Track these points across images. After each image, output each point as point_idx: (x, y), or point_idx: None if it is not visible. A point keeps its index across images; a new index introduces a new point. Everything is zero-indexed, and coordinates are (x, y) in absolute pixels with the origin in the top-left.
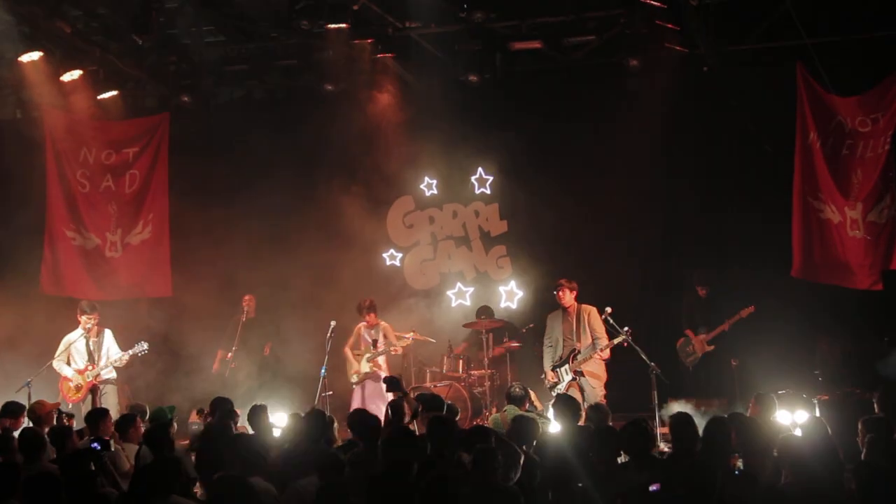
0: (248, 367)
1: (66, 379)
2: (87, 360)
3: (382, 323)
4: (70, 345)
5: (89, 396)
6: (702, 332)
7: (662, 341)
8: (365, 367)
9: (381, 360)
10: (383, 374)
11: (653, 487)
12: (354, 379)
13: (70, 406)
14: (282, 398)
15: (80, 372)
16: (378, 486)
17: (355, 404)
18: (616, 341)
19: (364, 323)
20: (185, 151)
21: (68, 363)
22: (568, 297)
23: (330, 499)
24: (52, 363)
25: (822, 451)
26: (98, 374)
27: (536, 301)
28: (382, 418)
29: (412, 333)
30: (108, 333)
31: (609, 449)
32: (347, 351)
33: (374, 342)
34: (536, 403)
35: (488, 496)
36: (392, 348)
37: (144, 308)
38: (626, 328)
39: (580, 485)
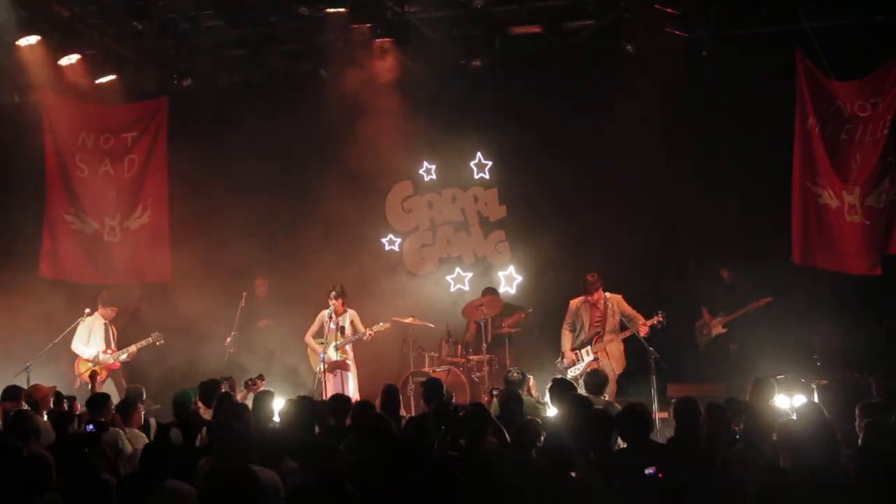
0: (251, 348)
1: (86, 360)
2: (105, 345)
3: (350, 310)
4: (91, 329)
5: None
6: (720, 315)
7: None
8: (333, 355)
9: (349, 348)
10: (351, 363)
11: (649, 471)
12: (321, 367)
13: (78, 385)
14: (284, 382)
15: (102, 354)
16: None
17: (329, 394)
18: (651, 322)
19: (329, 310)
20: (183, 136)
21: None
22: (601, 291)
23: (323, 486)
24: (77, 350)
25: (821, 435)
26: (118, 359)
27: (535, 286)
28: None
29: (411, 318)
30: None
31: (602, 433)
32: (309, 339)
33: (342, 329)
34: (533, 390)
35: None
36: (368, 333)
37: (142, 292)
38: (661, 311)
39: (573, 474)
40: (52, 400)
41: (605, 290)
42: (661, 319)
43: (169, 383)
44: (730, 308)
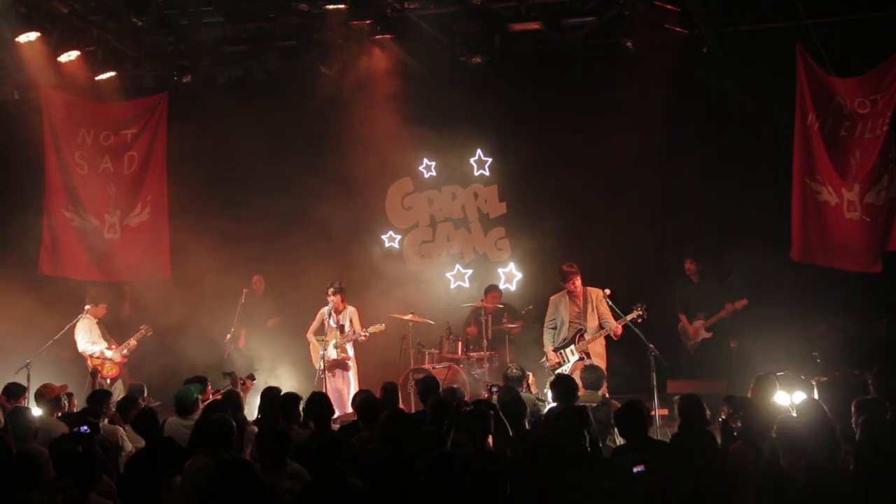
0: (254, 343)
1: (99, 356)
2: (107, 342)
3: (350, 308)
4: (90, 328)
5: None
6: (699, 319)
7: (661, 323)
8: (332, 354)
9: (349, 346)
10: (351, 363)
11: (637, 469)
12: (322, 365)
13: (108, 381)
14: (285, 378)
15: (108, 351)
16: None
17: (329, 393)
18: (630, 317)
19: (328, 307)
20: (183, 132)
21: None
22: (578, 282)
23: (330, 481)
24: (85, 351)
25: (820, 432)
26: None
27: (535, 283)
28: (346, 405)
29: (411, 315)
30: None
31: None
32: (311, 336)
33: (342, 327)
34: (533, 387)
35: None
36: (362, 335)
37: (142, 289)
38: (641, 304)
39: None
40: (65, 400)
41: (584, 283)
42: (641, 313)
43: (168, 380)
44: (706, 309)
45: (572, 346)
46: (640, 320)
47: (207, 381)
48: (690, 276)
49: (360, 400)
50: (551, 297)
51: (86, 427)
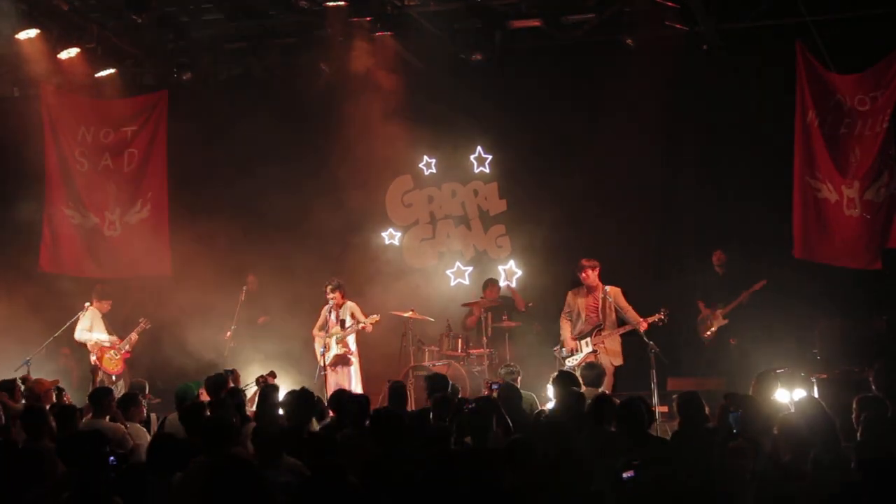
0: (247, 341)
1: (104, 349)
2: (111, 337)
3: (349, 303)
4: (92, 321)
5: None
6: (719, 307)
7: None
8: (335, 349)
9: (352, 341)
10: (353, 358)
11: (626, 475)
12: (323, 362)
13: (114, 378)
14: (282, 375)
15: (113, 346)
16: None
17: (330, 388)
18: (651, 320)
19: (329, 304)
20: (183, 130)
21: None
22: (593, 277)
23: (328, 478)
24: (80, 337)
25: (820, 429)
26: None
27: (535, 280)
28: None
29: (411, 313)
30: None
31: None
32: (316, 332)
33: (342, 322)
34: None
35: None
36: (361, 325)
37: (142, 286)
38: (664, 309)
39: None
40: (53, 394)
41: (602, 281)
42: (662, 317)
43: (168, 377)
44: (727, 298)
45: (588, 339)
46: (660, 324)
47: (229, 374)
48: (717, 268)
49: (347, 399)
50: (570, 291)
51: (113, 459)
